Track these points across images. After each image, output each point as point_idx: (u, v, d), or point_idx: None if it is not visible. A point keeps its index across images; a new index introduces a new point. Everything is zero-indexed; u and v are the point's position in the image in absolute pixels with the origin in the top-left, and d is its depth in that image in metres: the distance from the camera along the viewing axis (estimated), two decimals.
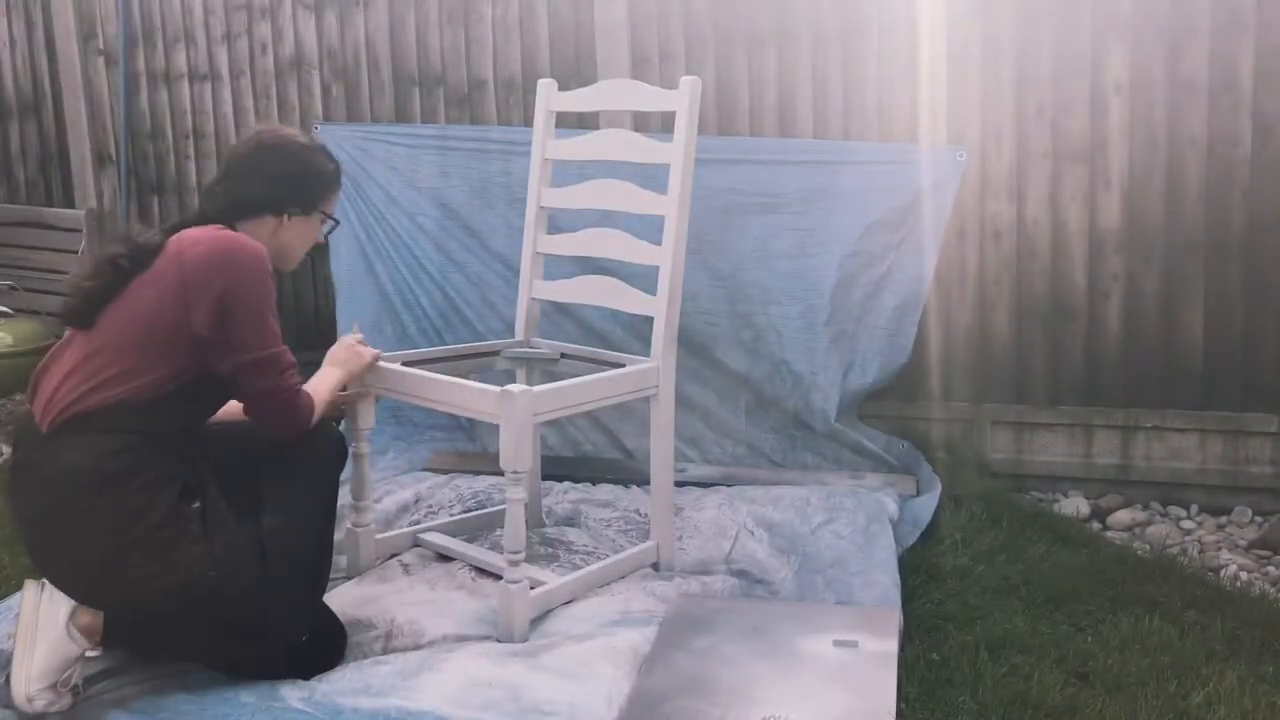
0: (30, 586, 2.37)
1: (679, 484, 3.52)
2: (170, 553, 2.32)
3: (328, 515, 2.63)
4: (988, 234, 3.96)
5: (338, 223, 2.82)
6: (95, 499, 2.30)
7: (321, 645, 2.56)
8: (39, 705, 2.28)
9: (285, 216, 2.63)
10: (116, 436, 2.34)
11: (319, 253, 4.48)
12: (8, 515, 2.49)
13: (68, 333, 2.49)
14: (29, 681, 2.28)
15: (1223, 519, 3.76)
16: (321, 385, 2.70)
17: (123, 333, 2.40)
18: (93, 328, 2.42)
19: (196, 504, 2.41)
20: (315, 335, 4.56)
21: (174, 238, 2.48)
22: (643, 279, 3.09)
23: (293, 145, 2.71)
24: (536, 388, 2.72)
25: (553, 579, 2.89)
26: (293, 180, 2.65)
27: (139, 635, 2.43)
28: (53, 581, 2.37)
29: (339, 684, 2.43)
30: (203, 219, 2.57)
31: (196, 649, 2.46)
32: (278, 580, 2.46)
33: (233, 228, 2.54)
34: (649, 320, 3.03)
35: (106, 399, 2.35)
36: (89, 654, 2.37)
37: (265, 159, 2.65)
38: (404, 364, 3.03)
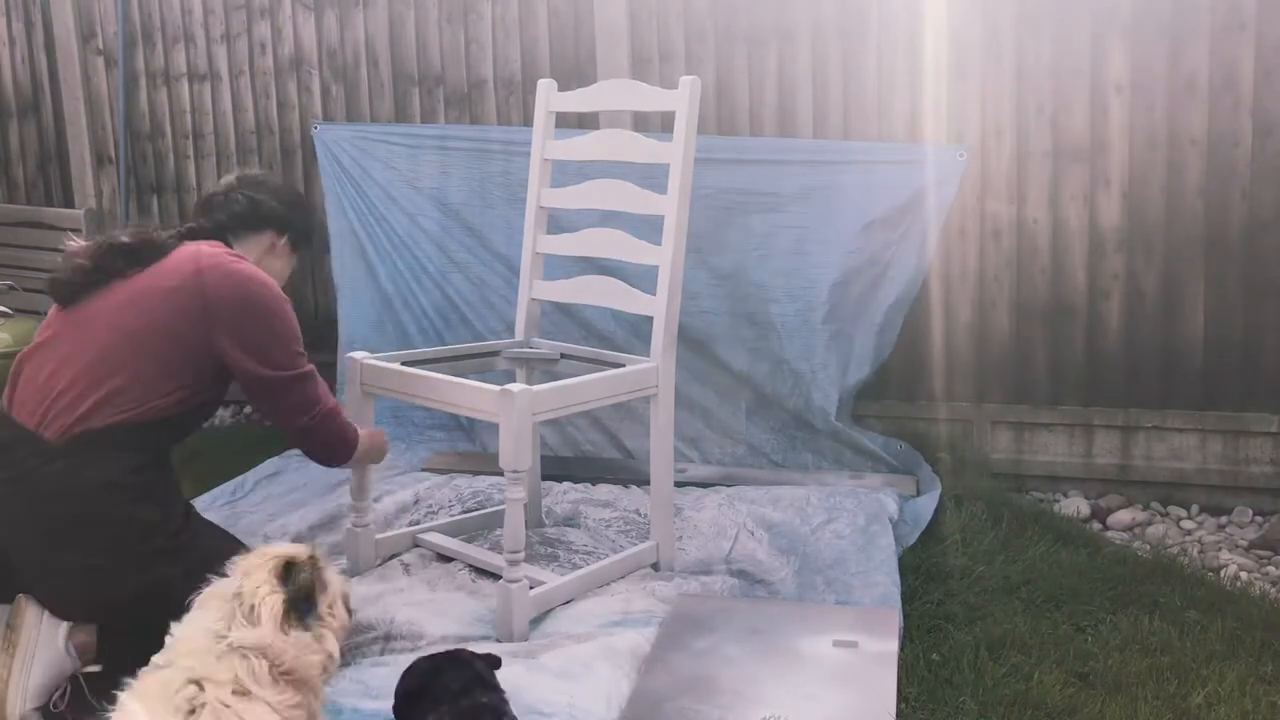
0: (26, 603, 2.33)
1: (679, 484, 3.52)
2: (188, 555, 2.33)
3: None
4: (988, 233, 3.96)
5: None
6: (117, 513, 2.31)
7: None
8: None
9: (283, 239, 2.77)
10: (133, 455, 2.35)
11: (319, 253, 4.47)
12: None
13: (50, 315, 2.49)
14: (24, 700, 2.25)
15: (1223, 519, 3.76)
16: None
17: (133, 340, 2.39)
18: (73, 310, 2.44)
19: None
20: (316, 335, 4.54)
21: (188, 249, 2.52)
22: (643, 279, 3.09)
23: (295, 189, 3.07)
24: (536, 387, 2.72)
25: (552, 579, 2.89)
26: (297, 206, 2.86)
27: (133, 650, 2.40)
28: (52, 593, 2.33)
29: (338, 685, 2.43)
30: (215, 228, 2.66)
31: None
32: None
33: (228, 244, 2.64)
34: (649, 320, 3.03)
35: (122, 418, 2.35)
36: (87, 669, 2.34)
37: (277, 183, 2.89)
38: (404, 364, 3.02)
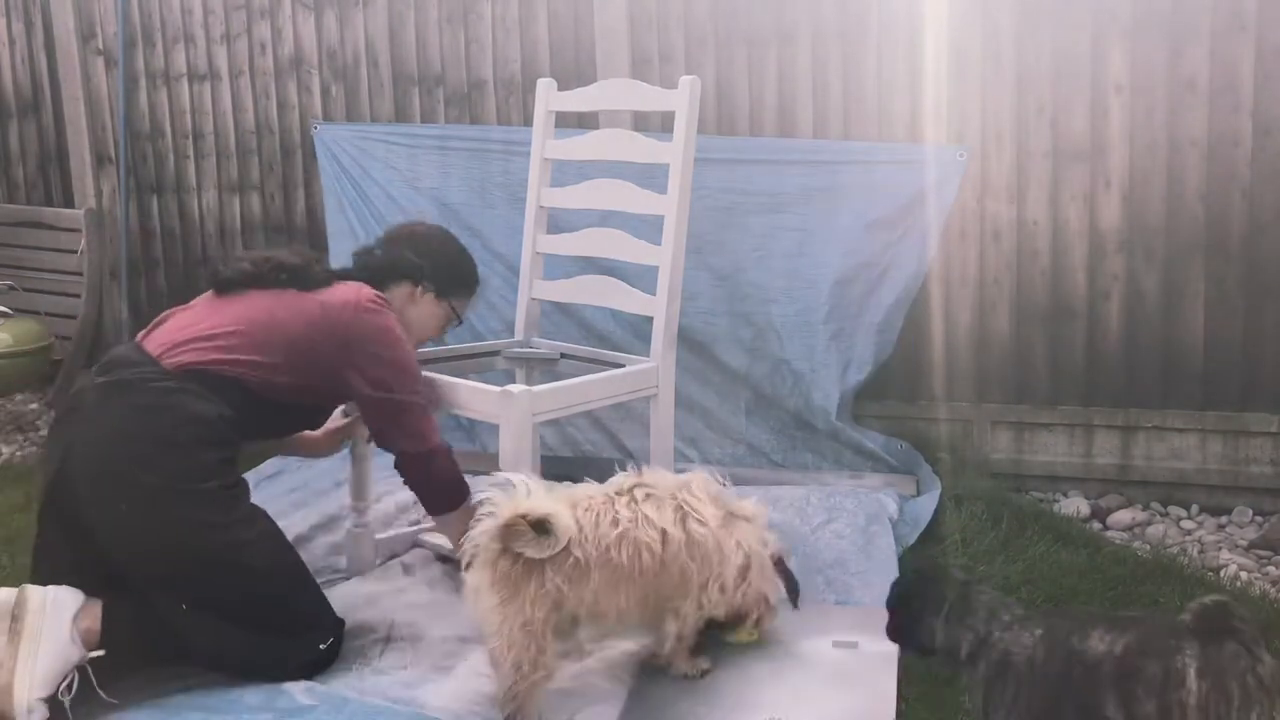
0: (30, 591, 2.33)
1: None
2: (234, 509, 2.47)
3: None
4: (988, 234, 3.96)
5: (461, 322, 3.10)
6: (194, 448, 2.43)
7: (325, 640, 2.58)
8: (36, 717, 2.24)
9: (419, 289, 2.92)
10: (227, 408, 2.49)
11: (319, 254, 4.46)
12: (70, 421, 2.52)
13: (202, 297, 2.73)
14: (31, 689, 2.24)
15: (1223, 519, 3.76)
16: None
17: (278, 320, 2.61)
18: (225, 297, 2.67)
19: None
20: None
21: (353, 286, 2.77)
22: (643, 279, 3.09)
23: (447, 237, 3.12)
24: (536, 388, 2.73)
25: None
26: (437, 257, 3.00)
27: (137, 637, 2.41)
28: (98, 502, 2.38)
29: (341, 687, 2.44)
30: (364, 277, 2.87)
31: (199, 645, 2.44)
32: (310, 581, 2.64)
33: (382, 289, 2.84)
34: (649, 320, 3.03)
35: (236, 372, 2.52)
36: (91, 654, 2.34)
37: (425, 236, 3.07)
38: None
